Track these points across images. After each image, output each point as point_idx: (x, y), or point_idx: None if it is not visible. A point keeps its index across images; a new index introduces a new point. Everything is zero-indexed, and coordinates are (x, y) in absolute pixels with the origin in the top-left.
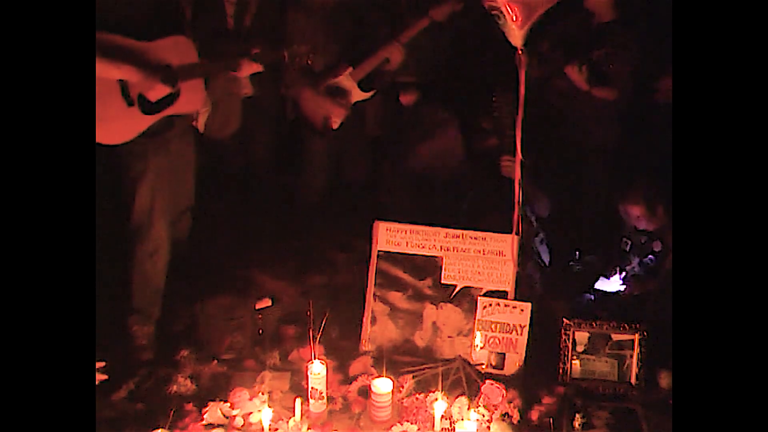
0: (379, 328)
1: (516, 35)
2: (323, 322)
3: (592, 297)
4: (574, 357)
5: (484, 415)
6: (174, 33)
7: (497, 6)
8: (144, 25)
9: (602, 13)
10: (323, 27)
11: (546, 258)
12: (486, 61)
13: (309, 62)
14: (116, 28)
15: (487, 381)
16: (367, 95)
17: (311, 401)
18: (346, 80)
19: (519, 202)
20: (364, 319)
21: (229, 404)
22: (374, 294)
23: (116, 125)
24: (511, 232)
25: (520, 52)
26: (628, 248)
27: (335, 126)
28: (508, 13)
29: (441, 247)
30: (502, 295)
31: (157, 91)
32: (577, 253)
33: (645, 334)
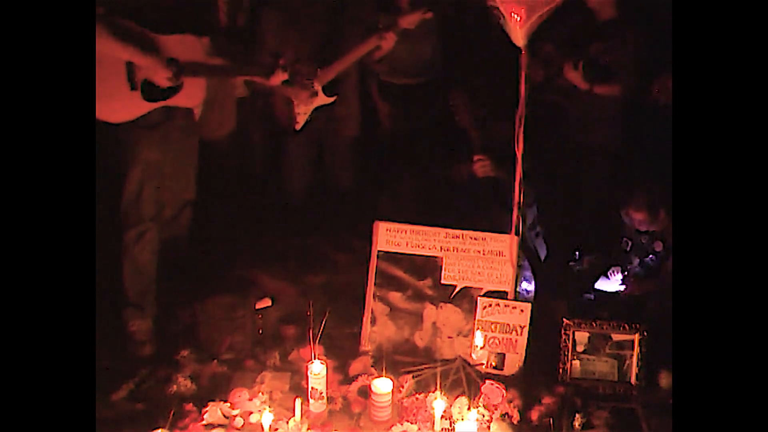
0: (379, 328)
1: (517, 35)
2: (323, 322)
3: (592, 297)
4: (574, 357)
5: (484, 415)
6: (188, 32)
7: (496, 5)
8: (158, 18)
9: (602, 11)
10: (295, 26)
11: (543, 253)
12: (482, 60)
13: (307, 80)
14: (131, 16)
15: (487, 381)
16: (330, 100)
17: (311, 401)
18: (313, 82)
19: (518, 203)
20: (364, 319)
21: (229, 404)
22: (374, 294)
23: (116, 105)
24: (506, 232)
25: (523, 52)
26: (628, 248)
27: (298, 128)
28: (508, 13)
29: (441, 247)
30: (502, 295)
31: (163, 77)
32: (577, 253)
33: (645, 334)
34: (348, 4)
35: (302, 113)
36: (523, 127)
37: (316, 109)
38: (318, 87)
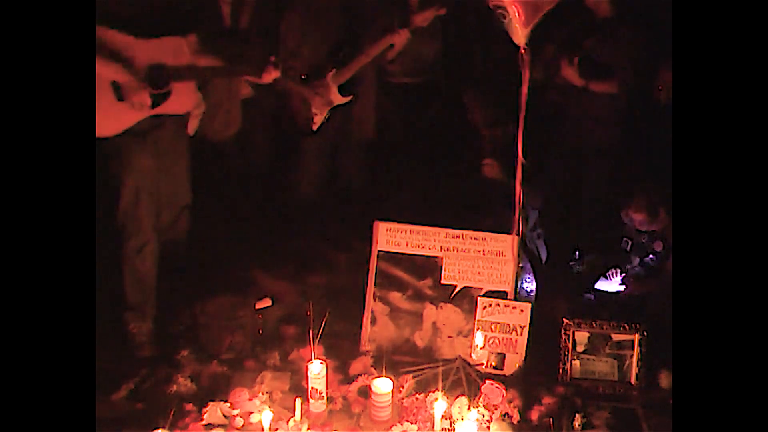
0: (379, 328)
1: (519, 34)
2: (323, 322)
3: (592, 297)
4: (574, 357)
5: (484, 415)
6: (174, 33)
7: (502, 5)
8: (143, 23)
9: (599, 9)
10: (313, 27)
11: (543, 255)
12: (485, 60)
13: (303, 77)
14: (114, 23)
15: (487, 381)
16: (345, 99)
17: (311, 401)
18: (329, 82)
19: (519, 202)
20: (364, 319)
21: (229, 404)
22: (374, 294)
23: (104, 117)
24: (507, 232)
25: (522, 50)
26: (628, 248)
27: (315, 128)
28: (513, 12)
29: (441, 247)
30: (502, 295)
31: (143, 97)
32: (577, 253)
33: (645, 334)
34: (362, 5)
35: (319, 114)
36: (524, 127)
37: (332, 109)
38: (333, 86)
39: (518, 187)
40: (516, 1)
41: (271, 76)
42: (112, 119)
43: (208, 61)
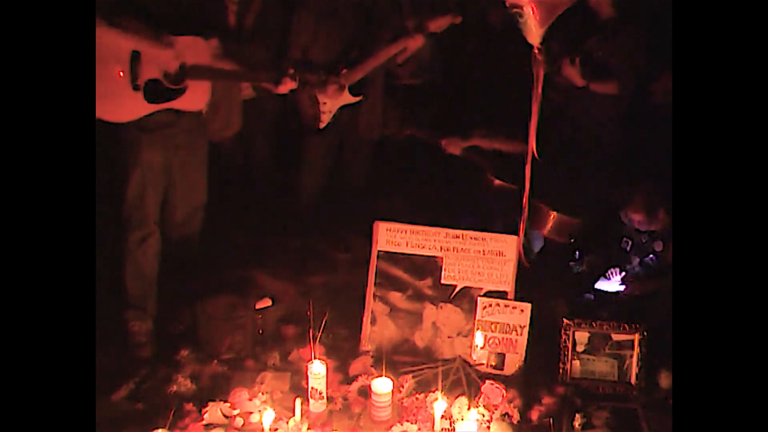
0: (379, 328)
1: (534, 34)
2: (323, 322)
3: (593, 297)
4: (574, 357)
5: (484, 415)
6: (194, 33)
7: (519, 5)
8: (166, 19)
9: (601, 10)
10: (325, 26)
11: (538, 246)
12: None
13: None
14: (137, 14)
15: (487, 381)
16: (355, 99)
17: (311, 401)
18: (341, 81)
19: (527, 202)
20: (364, 319)
21: (229, 404)
22: (374, 294)
23: (118, 104)
24: (509, 232)
25: (536, 50)
26: (628, 248)
27: (321, 126)
28: (529, 12)
29: (441, 247)
30: (501, 295)
31: (173, 65)
32: (577, 253)
33: (645, 334)
34: (379, 7)
35: (327, 111)
36: (536, 126)
37: (341, 108)
38: (345, 86)
39: (527, 185)
40: (533, 0)
41: (287, 87)
42: (126, 106)
43: (225, 65)
